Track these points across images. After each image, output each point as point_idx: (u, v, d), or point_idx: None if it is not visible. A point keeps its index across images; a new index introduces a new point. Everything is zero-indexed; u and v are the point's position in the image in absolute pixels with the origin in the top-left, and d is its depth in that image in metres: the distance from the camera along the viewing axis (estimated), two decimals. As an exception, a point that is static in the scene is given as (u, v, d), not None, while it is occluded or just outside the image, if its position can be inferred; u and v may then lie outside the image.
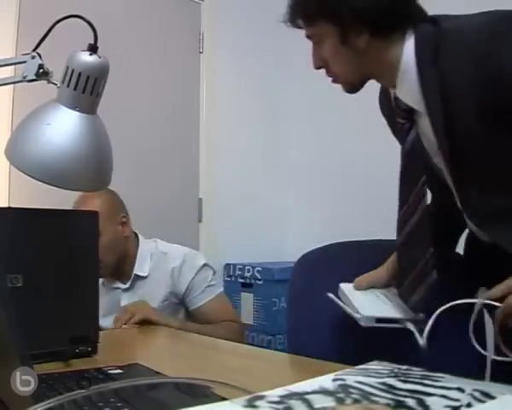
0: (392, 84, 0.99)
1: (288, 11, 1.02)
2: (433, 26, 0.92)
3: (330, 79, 1.03)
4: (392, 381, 0.48)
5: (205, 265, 1.72)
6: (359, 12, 0.93)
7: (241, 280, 2.77)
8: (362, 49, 0.96)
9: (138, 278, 1.70)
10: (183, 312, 1.72)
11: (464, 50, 0.86)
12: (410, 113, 0.98)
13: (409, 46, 0.94)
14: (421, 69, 0.92)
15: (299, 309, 1.30)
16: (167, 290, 1.67)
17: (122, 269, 1.71)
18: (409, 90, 0.95)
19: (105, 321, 1.67)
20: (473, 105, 0.86)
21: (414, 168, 1.00)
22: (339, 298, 1.09)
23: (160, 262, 1.70)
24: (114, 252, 1.67)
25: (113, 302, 1.69)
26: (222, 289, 1.78)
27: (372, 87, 1.05)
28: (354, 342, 1.09)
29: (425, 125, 0.96)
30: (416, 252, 1.00)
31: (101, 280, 1.69)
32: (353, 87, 1.03)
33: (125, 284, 1.71)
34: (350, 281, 1.13)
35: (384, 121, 1.15)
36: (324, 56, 1.00)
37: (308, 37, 1.02)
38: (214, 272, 1.76)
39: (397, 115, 1.01)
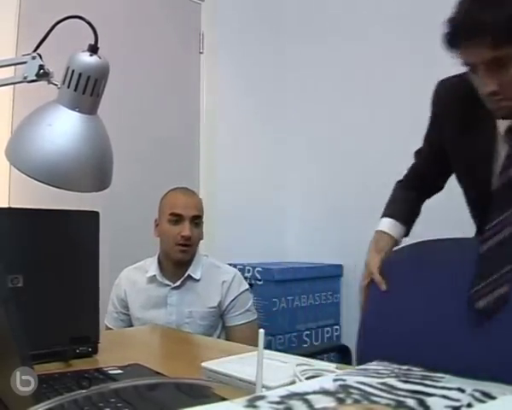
0: None
1: (486, 31, 0.93)
2: None
3: (496, 105, 1.01)
4: (392, 381, 0.48)
5: (248, 289, 1.84)
6: None
7: (242, 280, 2.76)
8: None
9: (190, 279, 1.77)
10: (221, 326, 1.79)
11: None
12: None
13: None
14: None
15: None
16: (217, 300, 1.75)
17: (178, 267, 1.78)
18: None
19: (148, 314, 1.75)
20: None
21: None
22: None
23: (213, 273, 1.80)
24: (197, 245, 1.83)
25: (160, 298, 1.77)
26: (256, 316, 1.85)
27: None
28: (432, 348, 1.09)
29: None
30: (495, 264, 1.03)
31: (152, 273, 1.79)
32: None
33: (174, 282, 1.77)
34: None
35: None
36: (508, 78, 0.97)
37: (480, 63, 0.97)
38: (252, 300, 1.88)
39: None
